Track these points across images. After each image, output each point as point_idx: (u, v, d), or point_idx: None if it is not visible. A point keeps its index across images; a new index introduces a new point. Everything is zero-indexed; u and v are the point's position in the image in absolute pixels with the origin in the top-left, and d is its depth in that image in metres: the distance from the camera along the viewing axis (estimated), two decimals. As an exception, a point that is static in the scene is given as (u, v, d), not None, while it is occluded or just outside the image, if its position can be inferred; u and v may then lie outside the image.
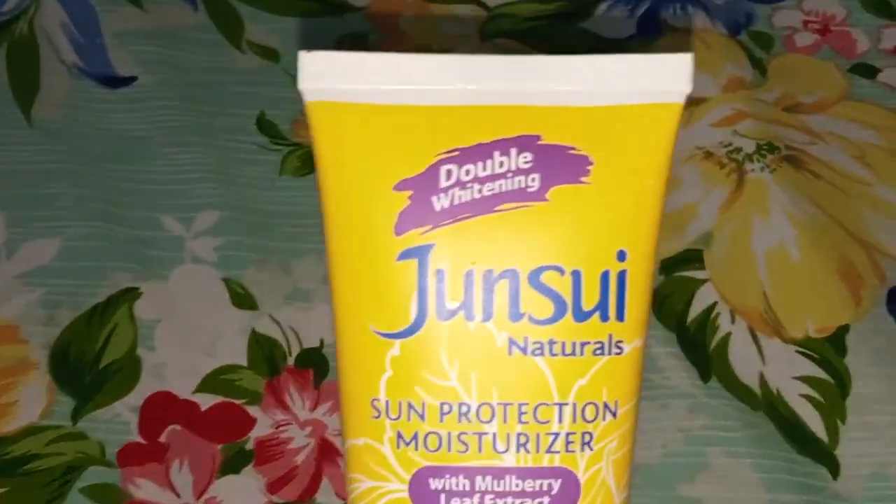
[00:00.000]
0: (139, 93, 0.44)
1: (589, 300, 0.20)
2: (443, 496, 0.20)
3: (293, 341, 0.38)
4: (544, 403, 0.20)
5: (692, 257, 0.40)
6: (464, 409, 0.20)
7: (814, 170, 0.43)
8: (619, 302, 0.20)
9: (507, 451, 0.20)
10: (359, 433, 0.21)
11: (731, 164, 0.43)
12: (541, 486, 0.20)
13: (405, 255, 0.20)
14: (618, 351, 0.20)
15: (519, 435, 0.20)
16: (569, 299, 0.20)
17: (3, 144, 0.43)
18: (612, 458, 0.21)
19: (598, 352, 0.20)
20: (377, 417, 0.20)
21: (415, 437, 0.20)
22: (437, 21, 0.48)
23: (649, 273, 0.21)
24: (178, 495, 0.34)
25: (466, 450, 0.20)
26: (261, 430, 0.36)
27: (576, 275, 0.20)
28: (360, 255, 0.20)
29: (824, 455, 0.36)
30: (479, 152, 0.20)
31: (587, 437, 0.20)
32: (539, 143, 0.20)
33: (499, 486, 0.20)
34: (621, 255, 0.20)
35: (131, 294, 0.38)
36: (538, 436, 0.20)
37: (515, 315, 0.20)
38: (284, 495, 0.34)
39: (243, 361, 0.37)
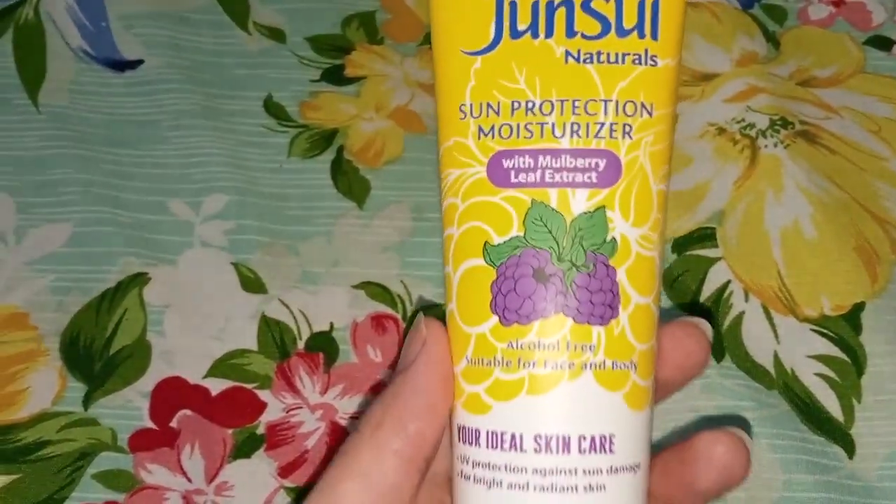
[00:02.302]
0: (145, 76, 0.44)
1: (629, 21, 0.25)
2: (512, 172, 0.25)
3: (303, 325, 0.38)
4: (592, 100, 0.25)
5: (705, 235, 0.40)
6: (529, 105, 0.25)
7: (829, 145, 0.42)
8: (653, 24, 0.25)
9: (563, 136, 0.25)
10: (450, 135, 0.26)
11: (745, 141, 0.42)
12: (590, 163, 0.25)
13: None
14: (653, 63, 0.25)
15: (573, 124, 0.25)
16: (612, 20, 0.25)
17: (11, 130, 0.42)
18: (650, 149, 0.25)
19: (637, 62, 0.25)
20: (464, 118, 0.26)
21: (492, 128, 0.26)
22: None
23: (681, 1, 0.26)
24: (189, 480, 0.34)
25: (531, 136, 0.25)
26: (271, 415, 0.36)
27: (619, 0, 0.25)
28: None
29: (840, 435, 0.35)
30: None
31: (627, 128, 0.25)
32: None
33: (556, 163, 0.25)
34: None
35: (140, 279, 0.38)
36: (588, 124, 0.25)
37: (571, 32, 0.25)
38: (296, 479, 0.34)
39: (253, 345, 0.37)
